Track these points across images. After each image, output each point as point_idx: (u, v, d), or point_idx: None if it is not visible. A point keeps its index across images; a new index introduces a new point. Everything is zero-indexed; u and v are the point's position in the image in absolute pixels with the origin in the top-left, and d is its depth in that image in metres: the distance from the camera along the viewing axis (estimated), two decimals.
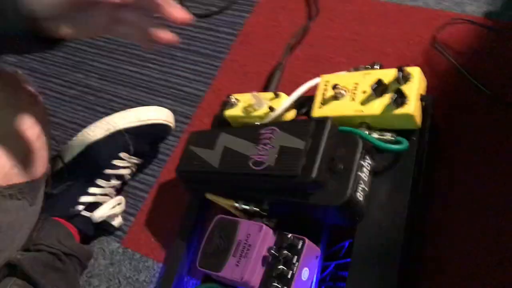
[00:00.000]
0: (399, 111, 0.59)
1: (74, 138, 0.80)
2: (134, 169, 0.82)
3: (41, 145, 0.76)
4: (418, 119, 0.60)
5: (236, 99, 0.74)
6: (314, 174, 0.54)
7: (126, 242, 0.80)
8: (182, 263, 0.70)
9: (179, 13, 0.52)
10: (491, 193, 0.65)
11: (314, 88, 0.68)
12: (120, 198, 0.79)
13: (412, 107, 0.59)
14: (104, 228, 0.79)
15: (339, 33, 0.89)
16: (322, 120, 0.58)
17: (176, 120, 0.86)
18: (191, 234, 0.72)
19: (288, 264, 0.56)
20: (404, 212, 0.57)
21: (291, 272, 0.55)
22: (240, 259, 0.57)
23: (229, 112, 0.74)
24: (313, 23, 0.91)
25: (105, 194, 0.78)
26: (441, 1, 0.85)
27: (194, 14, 1.02)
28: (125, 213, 0.81)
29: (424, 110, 0.61)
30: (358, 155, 0.57)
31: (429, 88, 0.65)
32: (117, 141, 0.77)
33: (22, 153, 0.69)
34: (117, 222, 0.79)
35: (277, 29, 0.94)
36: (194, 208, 0.73)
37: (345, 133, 0.60)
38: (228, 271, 0.57)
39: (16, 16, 0.53)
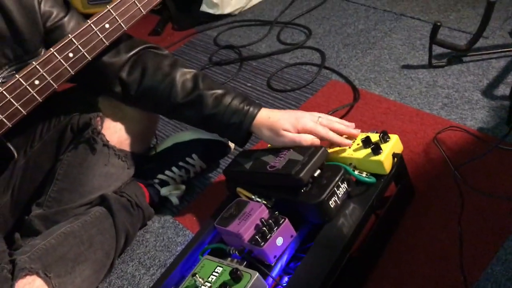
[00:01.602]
0: (373, 158, 0.87)
1: (168, 138, 1.18)
2: (198, 170, 1.17)
3: (148, 135, 1.15)
4: (387, 167, 0.87)
5: None
6: (301, 174, 0.84)
7: (177, 216, 1.12)
8: (205, 236, 0.99)
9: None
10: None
11: None
12: (182, 186, 1.13)
13: (383, 157, 0.86)
14: (165, 202, 1.13)
15: (369, 116, 1.20)
16: (319, 147, 0.88)
17: (237, 150, 1.21)
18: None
19: (270, 229, 0.83)
20: (357, 221, 0.83)
21: (269, 235, 0.82)
22: (241, 221, 0.86)
23: None
24: (356, 104, 1.25)
25: (174, 179, 1.13)
26: (450, 113, 1.13)
27: (275, 89, 1.41)
28: (183, 198, 1.15)
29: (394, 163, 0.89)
30: (337, 178, 0.86)
31: (418, 169, 0.96)
32: (193, 145, 1.13)
33: (135, 134, 1.08)
34: (175, 201, 1.12)
35: (325, 106, 1.27)
36: (226, 203, 1.03)
37: (336, 165, 0.89)
38: (231, 227, 0.86)
39: (243, 134, 0.99)
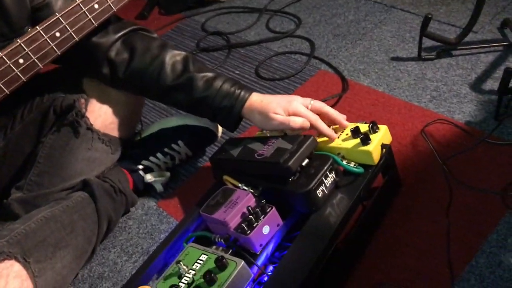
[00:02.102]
0: (362, 148, 0.86)
1: (153, 123, 1.15)
2: (184, 157, 1.15)
3: (133, 119, 1.12)
4: (375, 157, 0.86)
5: None
6: (290, 163, 0.83)
7: (160, 203, 1.10)
8: (190, 223, 0.97)
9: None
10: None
11: None
12: (167, 173, 1.11)
13: (371, 147, 0.86)
14: (149, 189, 1.11)
15: (358, 108, 1.19)
16: (308, 136, 0.87)
17: (224, 137, 1.19)
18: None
19: (256, 217, 0.82)
20: (344, 210, 0.82)
21: (256, 223, 0.81)
22: (227, 209, 0.85)
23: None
24: (345, 95, 1.24)
25: (158, 165, 1.10)
26: (438, 106, 1.13)
27: (264, 78, 1.39)
28: (167, 185, 1.13)
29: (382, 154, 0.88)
30: (325, 167, 0.85)
31: (406, 161, 0.95)
32: (179, 132, 1.11)
33: (120, 118, 1.05)
34: (159, 188, 1.10)
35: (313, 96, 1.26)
36: (212, 191, 1.02)
37: (324, 155, 0.88)
38: (217, 214, 0.85)
39: (234, 118, 0.96)
